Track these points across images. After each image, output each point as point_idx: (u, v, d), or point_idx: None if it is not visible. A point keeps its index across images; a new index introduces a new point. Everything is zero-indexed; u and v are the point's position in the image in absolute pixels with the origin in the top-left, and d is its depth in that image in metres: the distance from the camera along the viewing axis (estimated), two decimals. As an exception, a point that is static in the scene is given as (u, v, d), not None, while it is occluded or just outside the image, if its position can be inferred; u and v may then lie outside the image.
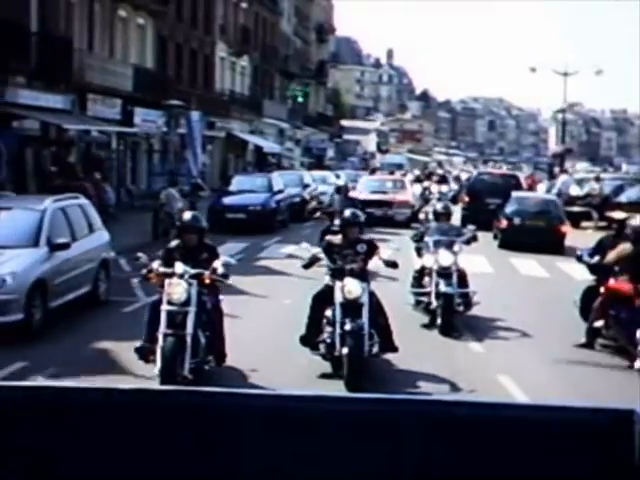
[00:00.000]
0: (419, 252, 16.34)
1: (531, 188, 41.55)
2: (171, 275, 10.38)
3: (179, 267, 10.39)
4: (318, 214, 22.57)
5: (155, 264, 10.70)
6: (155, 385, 9.48)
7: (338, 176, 42.10)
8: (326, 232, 19.81)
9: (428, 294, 15.05)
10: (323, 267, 11.87)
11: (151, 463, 2.33)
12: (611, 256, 12.85)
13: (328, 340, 11.09)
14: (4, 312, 12.15)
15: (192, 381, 9.97)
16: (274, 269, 21.01)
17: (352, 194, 26.92)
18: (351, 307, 11.01)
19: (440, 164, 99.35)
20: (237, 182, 32.08)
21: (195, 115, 36.31)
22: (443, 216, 16.40)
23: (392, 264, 11.96)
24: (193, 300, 10.28)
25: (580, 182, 36.65)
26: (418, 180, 43.60)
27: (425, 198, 35.67)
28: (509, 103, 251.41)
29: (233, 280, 12.22)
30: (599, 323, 12.79)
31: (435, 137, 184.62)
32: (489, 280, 19.74)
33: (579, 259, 14.32)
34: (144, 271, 10.80)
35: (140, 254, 11.21)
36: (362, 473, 2.33)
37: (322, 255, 11.66)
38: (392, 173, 46.92)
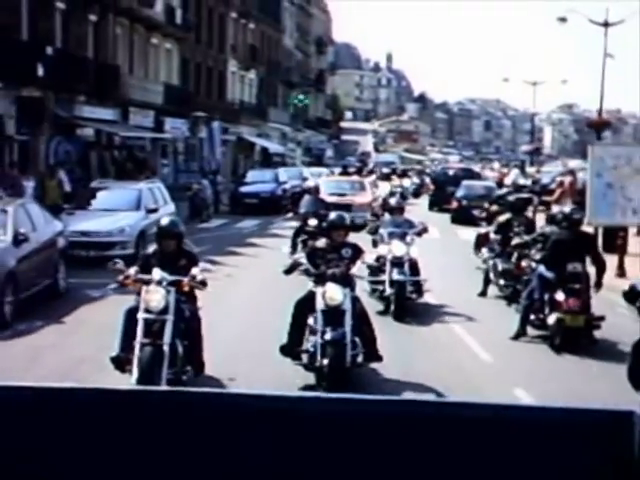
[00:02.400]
0: (375, 244, 16.97)
1: (501, 181, 49.72)
2: (148, 282, 9.96)
3: (157, 273, 9.99)
4: (290, 215, 23.06)
5: (132, 270, 10.26)
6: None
7: (333, 172, 50.45)
8: (299, 232, 21.03)
9: (383, 282, 15.41)
10: (304, 273, 11.31)
11: (150, 463, 2.32)
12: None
13: (311, 349, 10.45)
14: (124, 248, 20.66)
15: None
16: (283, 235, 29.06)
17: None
18: (333, 314, 10.38)
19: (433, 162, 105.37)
20: (251, 175, 41.10)
21: (215, 124, 44.93)
22: (397, 210, 17.45)
23: (377, 269, 11.84)
24: (171, 308, 9.84)
25: (526, 174, 45.18)
26: (387, 178, 43.75)
27: (392, 194, 37.76)
28: (505, 104, 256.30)
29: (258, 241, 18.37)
30: None
31: (432, 137, 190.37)
32: (436, 243, 27.93)
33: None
34: (120, 277, 10.25)
35: (117, 259, 10.80)
36: (362, 473, 2.32)
37: (303, 260, 11.17)
38: (349, 174, 45.01)
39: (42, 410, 2.34)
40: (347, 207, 27.13)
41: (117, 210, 21.88)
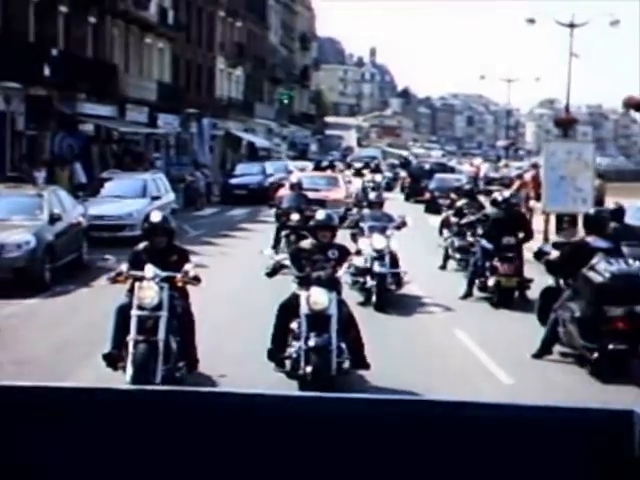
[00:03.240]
0: (354, 237, 17.44)
1: (477, 175, 52.93)
2: (141, 278, 9.87)
3: (150, 270, 9.87)
4: (273, 210, 22.98)
5: (123, 267, 10.22)
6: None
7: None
8: (281, 228, 21.25)
9: (364, 274, 15.75)
10: (289, 275, 10.88)
11: (149, 463, 2.33)
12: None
13: (294, 355, 10.04)
14: (132, 230, 23.57)
15: None
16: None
17: (281, 192, 28.98)
18: (317, 319, 9.93)
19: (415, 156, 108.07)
20: (240, 168, 44.12)
21: (205, 121, 47.83)
22: (376, 204, 18.02)
23: (365, 271, 11.39)
24: (165, 304, 9.80)
25: (497, 168, 48.33)
26: (359, 174, 43.75)
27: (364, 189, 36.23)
28: (487, 99, 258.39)
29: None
30: None
31: (415, 132, 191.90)
32: (409, 229, 30.90)
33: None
34: (112, 274, 10.26)
35: (108, 256, 10.96)
36: (362, 473, 2.31)
37: (287, 262, 10.69)
38: (322, 169, 44.26)
39: (42, 410, 2.32)
40: (321, 203, 26.48)
41: (126, 197, 24.85)
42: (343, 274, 10.80)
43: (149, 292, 9.78)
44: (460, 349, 12.90)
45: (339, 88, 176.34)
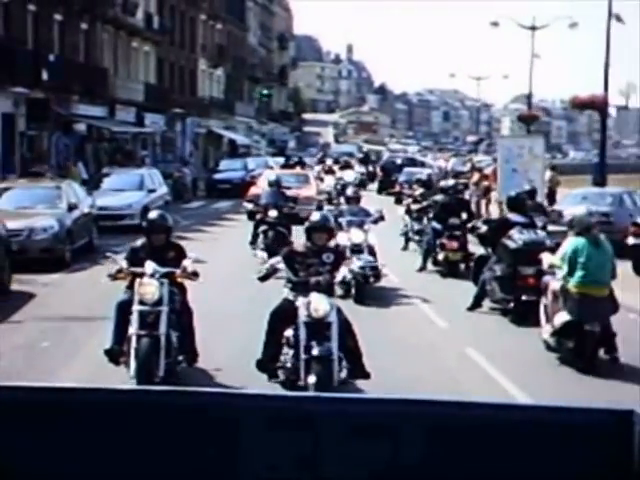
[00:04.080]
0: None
1: (445, 168, 56.14)
2: (141, 275, 10.12)
3: (150, 266, 10.13)
4: (251, 206, 23.10)
5: (123, 263, 10.43)
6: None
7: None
8: (259, 224, 21.38)
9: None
10: (282, 279, 10.38)
11: (150, 463, 2.35)
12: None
13: (288, 365, 9.70)
14: (132, 219, 26.63)
15: (166, 382, 9.62)
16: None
17: (253, 189, 30.57)
18: (318, 327, 9.52)
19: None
20: (224, 164, 47.25)
21: (189, 120, 50.86)
22: (353, 200, 18.56)
23: (363, 277, 10.77)
24: (165, 299, 10.00)
25: (464, 162, 51.57)
26: (330, 171, 44.27)
27: (338, 187, 37.04)
28: (463, 95, 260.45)
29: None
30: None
31: (392, 128, 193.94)
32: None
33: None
34: (113, 271, 10.49)
35: (109, 253, 11.12)
36: (362, 473, 2.33)
37: (281, 265, 10.17)
38: (291, 167, 43.78)
39: (42, 410, 2.35)
40: (293, 200, 25.68)
41: (125, 190, 27.89)
42: (341, 278, 10.39)
43: (150, 288, 9.99)
44: (418, 313, 15.81)
45: (316, 85, 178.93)
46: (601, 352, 11.62)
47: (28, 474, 2.34)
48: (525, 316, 13.87)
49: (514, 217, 14.99)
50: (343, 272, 10.27)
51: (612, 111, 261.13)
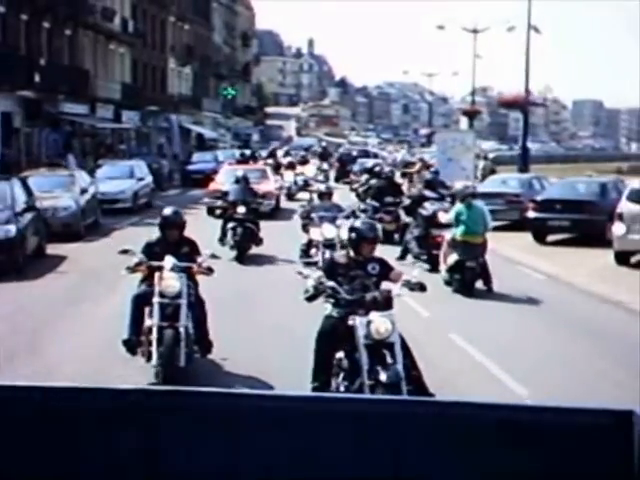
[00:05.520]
0: (305, 228, 18.30)
1: (395, 159, 61.37)
2: (158, 268, 10.42)
3: (170, 261, 10.41)
4: (219, 202, 23.41)
5: (137, 258, 10.73)
6: (151, 378, 9.98)
7: (260, 155, 61.33)
8: (228, 221, 21.51)
9: (316, 263, 16.35)
10: (331, 298, 9.16)
11: (149, 462, 2.36)
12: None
13: (342, 390, 8.65)
14: (124, 203, 31.59)
15: (186, 371, 10.10)
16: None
17: (214, 185, 31.88)
18: (379, 349, 8.59)
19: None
20: (196, 157, 52.29)
21: (173, 117, 55.76)
22: (325, 195, 19.23)
23: (420, 287, 9.29)
24: (184, 292, 10.31)
25: (413, 153, 56.87)
26: (291, 167, 44.61)
27: (298, 182, 38.93)
28: (423, 87, 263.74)
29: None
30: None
31: (352, 120, 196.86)
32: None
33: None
34: (132, 264, 10.74)
35: (127, 247, 11.17)
36: (362, 473, 2.34)
37: (332, 283, 9.00)
38: (246, 162, 42.99)
39: (42, 410, 2.38)
40: (262, 196, 25.58)
41: (118, 178, 32.82)
42: (398, 292, 9.17)
43: (172, 281, 10.31)
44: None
45: (278, 79, 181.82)
46: (480, 283, 16.83)
47: (28, 474, 2.34)
48: (436, 267, 18.93)
49: (428, 193, 20.24)
50: (398, 288, 9.09)
51: (568, 103, 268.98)
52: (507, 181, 30.90)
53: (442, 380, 10.27)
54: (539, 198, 25.71)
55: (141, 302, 10.65)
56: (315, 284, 9.09)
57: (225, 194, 22.84)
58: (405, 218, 21.84)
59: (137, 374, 10.40)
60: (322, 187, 20.48)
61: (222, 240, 20.92)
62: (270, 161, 45.75)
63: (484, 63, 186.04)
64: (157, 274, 10.44)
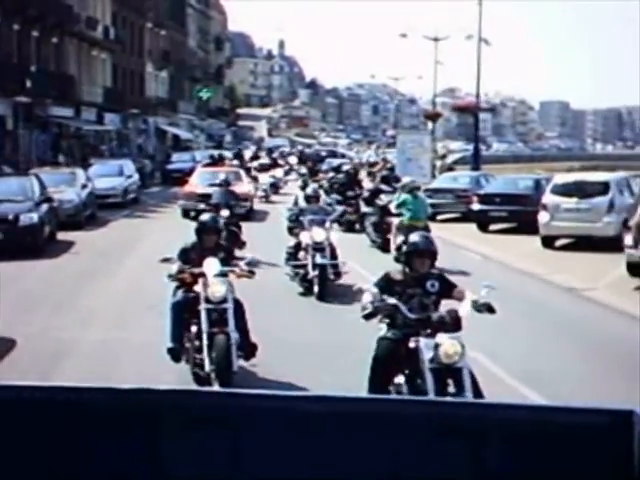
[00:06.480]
0: (291, 231, 18.46)
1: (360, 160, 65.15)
2: (201, 275, 10.35)
3: (214, 266, 10.41)
4: (202, 206, 22.89)
5: (177, 265, 10.64)
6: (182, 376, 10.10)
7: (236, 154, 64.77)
8: None
9: (305, 266, 16.48)
10: (387, 318, 8.47)
11: (149, 462, 2.36)
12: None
13: None
14: (115, 198, 35.13)
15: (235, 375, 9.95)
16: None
17: (188, 187, 32.50)
18: (446, 374, 7.94)
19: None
20: (175, 157, 56.02)
21: (150, 119, 59.28)
22: (313, 198, 19.24)
23: (488, 308, 8.37)
24: (230, 297, 10.29)
25: (378, 153, 60.71)
26: (265, 169, 46.22)
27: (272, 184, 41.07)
28: (392, 89, 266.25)
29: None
30: None
31: (323, 121, 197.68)
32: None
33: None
34: (173, 272, 10.62)
35: (169, 256, 11.05)
36: (362, 473, 2.34)
37: (394, 300, 8.24)
38: (215, 164, 44.16)
39: (42, 410, 2.37)
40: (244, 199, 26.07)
41: (108, 176, 36.36)
42: (466, 312, 8.38)
43: (217, 287, 10.23)
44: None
45: (250, 80, 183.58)
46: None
47: (28, 474, 2.34)
48: (387, 248, 22.58)
49: (384, 187, 24.01)
50: (466, 310, 8.32)
51: (535, 104, 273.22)
52: (457, 178, 34.83)
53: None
54: (482, 192, 29.53)
55: (181, 309, 10.58)
56: (373, 300, 8.31)
57: (202, 196, 24.37)
58: (364, 208, 25.50)
59: (153, 316, 14.03)
60: (309, 190, 20.21)
61: None
62: (235, 162, 46.35)
63: (451, 65, 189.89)
64: (201, 280, 10.37)
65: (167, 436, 2.33)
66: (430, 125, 55.63)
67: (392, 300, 8.24)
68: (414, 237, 8.83)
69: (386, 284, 8.50)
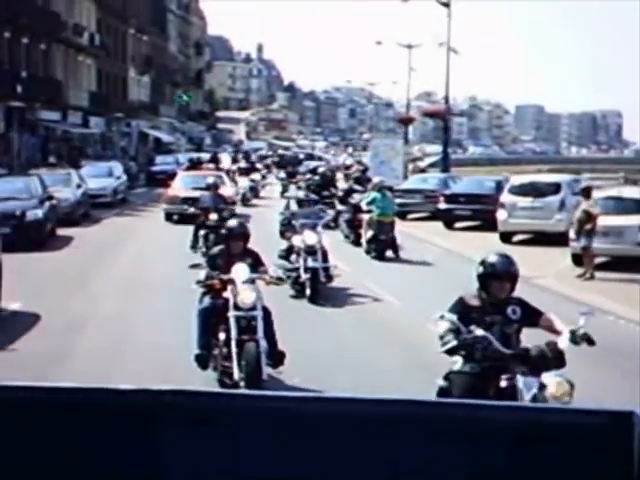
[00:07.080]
0: (283, 234, 18.78)
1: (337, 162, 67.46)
2: (229, 281, 10.30)
3: (244, 272, 10.32)
4: (192, 210, 23.00)
5: (204, 272, 10.66)
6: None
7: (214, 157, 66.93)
8: (199, 228, 21.72)
9: (297, 269, 16.67)
10: (463, 350, 7.40)
11: (150, 462, 2.34)
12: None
13: None
14: (105, 198, 37.35)
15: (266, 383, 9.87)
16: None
17: (171, 191, 32.99)
18: None
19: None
20: (159, 159, 58.30)
21: (134, 123, 61.55)
22: (305, 202, 20.83)
23: (588, 340, 7.31)
24: (259, 304, 10.19)
25: (354, 156, 63.18)
26: (246, 172, 46.30)
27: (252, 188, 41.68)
28: (369, 92, 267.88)
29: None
30: None
31: (300, 124, 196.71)
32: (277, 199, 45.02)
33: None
34: (202, 279, 10.61)
35: (199, 262, 11.39)
36: (362, 473, 2.33)
37: (483, 332, 7.23)
38: (195, 167, 45.11)
39: (43, 410, 2.35)
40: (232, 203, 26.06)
41: (99, 177, 38.57)
42: (565, 345, 7.25)
43: (247, 293, 10.16)
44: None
45: (228, 84, 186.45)
46: (390, 252, 22.95)
47: (28, 474, 2.33)
48: (359, 242, 24.85)
49: (356, 187, 26.41)
50: (565, 342, 7.25)
51: (510, 108, 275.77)
52: (427, 180, 37.30)
53: (360, 304, 16.34)
54: (447, 192, 31.95)
55: (209, 315, 10.51)
56: (457, 336, 7.21)
57: (186, 200, 25.35)
58: (339, 207, 27.85)
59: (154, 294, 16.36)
60: (301, 194, 20.88)
61: (194, 247, 21.51)
62: (211, 165, 46.88)
63: (427, 70, 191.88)
64: (230, 287, 10.31)
65: (167, 436, 2.34)
66: (404, 129, 58.21)
67: (480, 332, 7.23)
68: (492, 258, 7.58)
69: (463, 310, 7.48)
